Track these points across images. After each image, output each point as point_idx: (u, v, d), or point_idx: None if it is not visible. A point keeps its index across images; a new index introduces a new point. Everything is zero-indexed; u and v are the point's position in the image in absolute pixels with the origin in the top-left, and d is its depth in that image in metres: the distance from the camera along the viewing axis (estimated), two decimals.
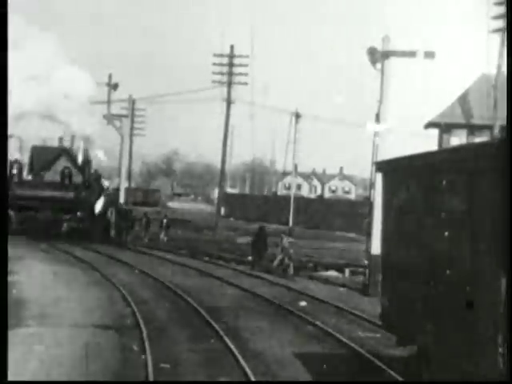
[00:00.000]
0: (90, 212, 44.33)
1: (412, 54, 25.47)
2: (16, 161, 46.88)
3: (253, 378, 12.82)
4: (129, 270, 28.75)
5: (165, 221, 44.81)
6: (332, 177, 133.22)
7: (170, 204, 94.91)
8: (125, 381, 12.61)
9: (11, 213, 42.87)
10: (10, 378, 10.29)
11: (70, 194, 45.37)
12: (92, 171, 49.05)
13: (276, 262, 29.85)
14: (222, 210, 61.87)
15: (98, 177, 48.52)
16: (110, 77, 56.29)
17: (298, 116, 53.06)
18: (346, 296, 24.34)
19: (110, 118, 52.96)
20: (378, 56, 25.33)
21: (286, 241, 29.80)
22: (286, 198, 66.64)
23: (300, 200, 69.53)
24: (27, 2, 51.94)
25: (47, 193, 45.07)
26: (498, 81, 35.73)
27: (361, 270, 27.98)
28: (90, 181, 46.70)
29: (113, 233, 43.42)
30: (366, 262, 26.16)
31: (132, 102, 56.13)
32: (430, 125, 42.54)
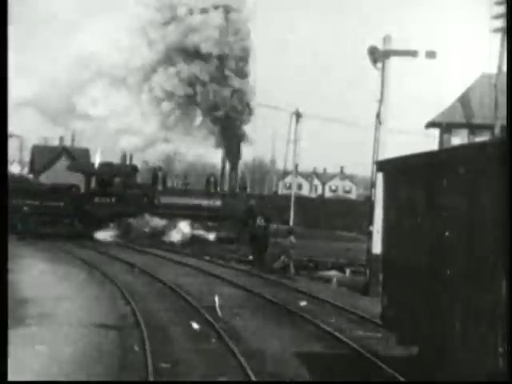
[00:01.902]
0: (240, 222, 42.25)
1: (413, 53, 25.45)
2: (160, 168, 46.05)
3: (252, 377, 12.82)
4: None
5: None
6: (333, 176, 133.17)
7: None
8: (125, 381, 12.60)
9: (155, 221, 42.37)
10: (10, 377, 10.29)
11: (218, 203, 44.06)
12: (238, 179, 47.89)
13: (277, 264, 29.85)
14: None
15: (244, 185, 47.28)
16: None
17: (298, 115, 52.90)
18: (347, 296, 24.33)
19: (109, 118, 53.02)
20: (378, 55, 25.31)
21: (288, 241, 29.76)
22: (287, 198, 66.56)
23: (301, 199, 69.45)
24: None
25: (193, 201, 43.85)
26: (498, 80, 35.70)
27: (362, 269, 27.95)
28: (240, 188, 45.47)
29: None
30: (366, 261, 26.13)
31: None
32: (431, 124, 42.53)
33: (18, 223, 42.02)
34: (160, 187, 44.20)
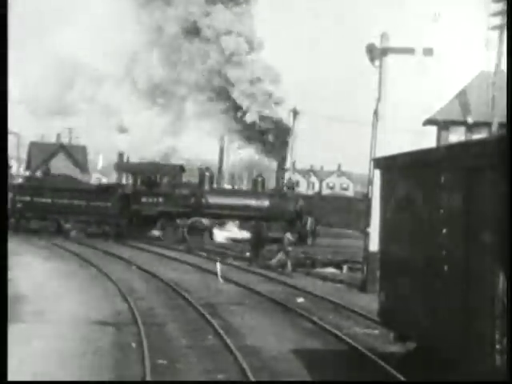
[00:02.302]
0: (288, 223, 41.15)
1: (410, 50, 25.47)
2: (207, 168, 45.80)
3: (249, 372, 12.83)
4: None
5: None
6: (330, 173, 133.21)
7: None
8: (125, 381, 12.61)
9: (204, 221, 42.17)
10: (10, 377, 10.29)
11: (266, 203, 43.26)
12: (286, 179, 47.40)
13: (274, 261, 29.88)
14: None
15: (292, 185, 46.83)
16: None
17: (295, 113, 52.91)
18: (344, 292, 24.36)
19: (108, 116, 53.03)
20: (376, 53, 25.33)
21: (286, 238, 29.74)
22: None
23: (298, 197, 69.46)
24: None
25: (241, 201, 43.08)
26: (496, 78, 35.71)
27: (359, 266, 27.96)
28: (287, 187, 44.68)
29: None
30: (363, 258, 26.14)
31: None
32: (428, 122, 42.56)
33: (64, 223, 42.08)
34: (207, 187, 43.79)
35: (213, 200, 42.84)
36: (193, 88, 51.48)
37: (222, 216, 42.30)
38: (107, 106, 54.41)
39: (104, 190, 44.64)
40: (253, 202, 43.00)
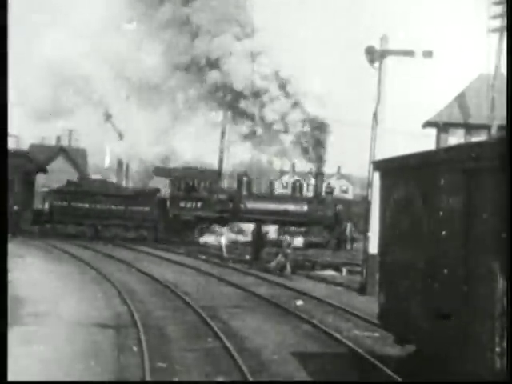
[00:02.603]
0: (327, 228, 41.35)
1: (410, 53, 25.47)
2: (245, 173, 45.63)
3: (248, 375, 12.82)
4: None
5: None
6: (329, 176, 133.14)
7: None
8: (125, 381, 12.59)
9: (242, 225, 42.00)
10: (10, 377, 10.27)
11: (304, 208, 42.96)
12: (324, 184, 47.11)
13: (274, 263, 29.87)
14: None
15: (331, 190, 46.60)
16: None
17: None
18: (344, 295, 24.34)
19: (108, 116, 52.95)
20: (375, 55, 25.33)
21: (284, 240, 29.75)
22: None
23: None
24: None
25: (279, 206, 42.81)
26: (495, 80, 35.72)
27: (358, 269, 27.96)
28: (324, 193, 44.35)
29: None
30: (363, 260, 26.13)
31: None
32: (428, 124, 42.55)
33: (100, 228, 42.09)
34: (245, 192, 43.57)
35: (251, 205, 42.59)
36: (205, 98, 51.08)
37: (260, 221, 41.22)
38: (101, 103, 54.23)
39: (142, 195, 44.65)
40: (291, 207, 42.77)
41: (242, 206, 42.40)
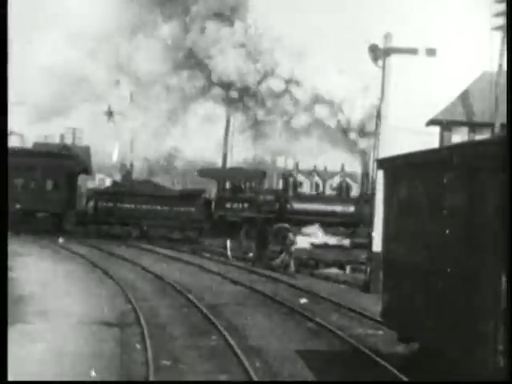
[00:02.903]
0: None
1: (414, 51, 25.46)
2: (290, 174, 45.41)
3: (252, 373, 12.83)
4: None
5: None
6: (333, 174, 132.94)
7: None
8: (125, 381, 12.61)
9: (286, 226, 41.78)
10: (10, 377, 10.29)
11: (351, 208, 42.42)
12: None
13: (278, 261, 29.88)
14: None
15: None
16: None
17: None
18: (347, 293, 24.34)
19: (110, 115, 52.97)
20: (379, 53, 25.33)
21: (288, 238, 29.74)
22: None
23: None
24: None
25: (326, 207, 42.20)
26: (499, 78, 35.71)
27: (362, 267, 27.96)
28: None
29: None
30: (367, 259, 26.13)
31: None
32: (432, 122, 42.53)
33: (146, 228, 42.04)
34: (291, 193, 43.30)
35: (298, 206, 42.20)
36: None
37: (307, 222, 41.01)
38: (103, 102, 54.16)
39: (187, 196, 44.53)
40: (338, 208, 42.33)
41: (288, 206, 42.07)
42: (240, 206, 42.82)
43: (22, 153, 44.60)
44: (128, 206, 42.88)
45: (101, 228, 42.64)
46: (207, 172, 49.66)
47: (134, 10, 49.32)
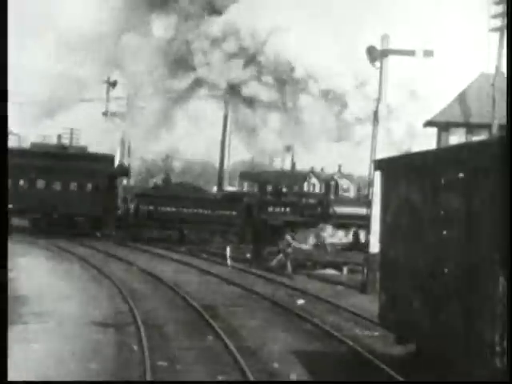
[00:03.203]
0: None
1: (411, 52, 25.47)
2: (332, 177, 45.11)
3: (249, 373, 12.82)
4: None
5: None
6: (331, 175, 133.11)
7: None
8: (125, 381, 12.59)
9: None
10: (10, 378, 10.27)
11: None
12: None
13: (275, 261, 29.87)
14: None
15: None
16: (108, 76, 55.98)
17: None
18: (344, 294, 24.33)
19: (108, 116, 52.91)
20: (376, 54, 25.34)
21: (285, 239, 29.72)
22: None
23: None
24: None
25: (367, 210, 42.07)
26: (496, 80, 35.69)
27: (359, 268, 27.94)
28: None
29: None
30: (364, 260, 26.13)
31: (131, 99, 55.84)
32: (429, 123, 42.45)
33: (187, 232, 41.82)
34: (333, 196, 43.09)
35: (340, 209, 41.99)
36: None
37: (349, 226, 40.39)
38: (100, 102, 54.04)
39: (229, 199, 44.34)
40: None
41: (330, 210, 41.82)
42: (282, 209, 42.48)
43: (62, 155, 44.53)
44: (169, 209, 42.64)
45: (141, 231, 42.26)
46: (249, 175, 49.26)
47: (128, 12, 49.08)
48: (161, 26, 46.55)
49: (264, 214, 42.05)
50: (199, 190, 46.91)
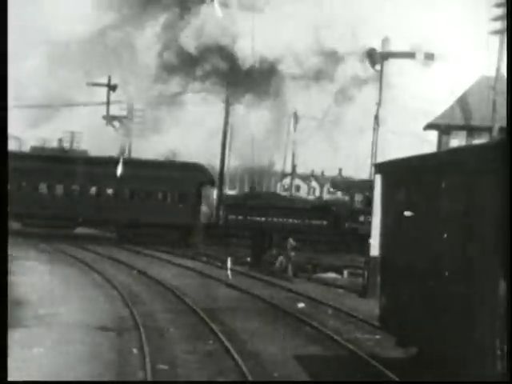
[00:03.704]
0: None
1: (411, 55, 25.44)
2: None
3: (249, 376, 12.81)
4: None
5: None
6: (331, 178, 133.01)
7: None
8: (125, 381, 12.58)
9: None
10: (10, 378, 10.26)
11: None
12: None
13: (277, 264, 29.83)
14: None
15: None
16: (109, 78, 55.91)
17: (296, 117, 52.93)
18: (345, 297, 24.31)
19: (109, 119, 52.85)
20: (377, 57, 25.31)
21: (289, 243, 29.70)
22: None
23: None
24: None
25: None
26: (497, 82, 35.69)
27: (359, 271, 27.92)
28: None
29: None
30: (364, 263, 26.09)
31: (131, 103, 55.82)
32: (430, 126, 42.50)
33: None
34: None
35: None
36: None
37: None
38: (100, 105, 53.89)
39: (320, 209, 44.10)
40: None
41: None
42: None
43: (150, 164, 44.14)
44: (259, 219, 42.45)
45: (230, 241, 41.76)
46: (339, 184, 48.91)
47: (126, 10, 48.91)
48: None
49: (354, 222, 41.67)
50: (287, 199, 46.45)
